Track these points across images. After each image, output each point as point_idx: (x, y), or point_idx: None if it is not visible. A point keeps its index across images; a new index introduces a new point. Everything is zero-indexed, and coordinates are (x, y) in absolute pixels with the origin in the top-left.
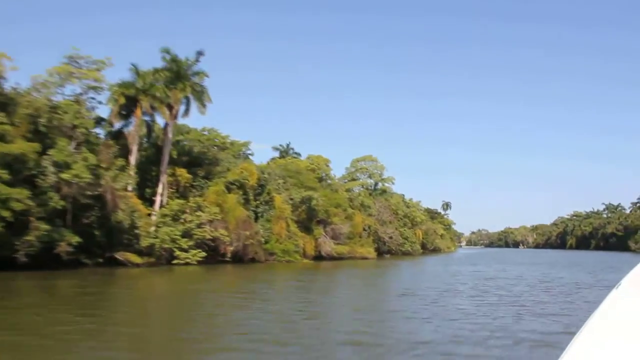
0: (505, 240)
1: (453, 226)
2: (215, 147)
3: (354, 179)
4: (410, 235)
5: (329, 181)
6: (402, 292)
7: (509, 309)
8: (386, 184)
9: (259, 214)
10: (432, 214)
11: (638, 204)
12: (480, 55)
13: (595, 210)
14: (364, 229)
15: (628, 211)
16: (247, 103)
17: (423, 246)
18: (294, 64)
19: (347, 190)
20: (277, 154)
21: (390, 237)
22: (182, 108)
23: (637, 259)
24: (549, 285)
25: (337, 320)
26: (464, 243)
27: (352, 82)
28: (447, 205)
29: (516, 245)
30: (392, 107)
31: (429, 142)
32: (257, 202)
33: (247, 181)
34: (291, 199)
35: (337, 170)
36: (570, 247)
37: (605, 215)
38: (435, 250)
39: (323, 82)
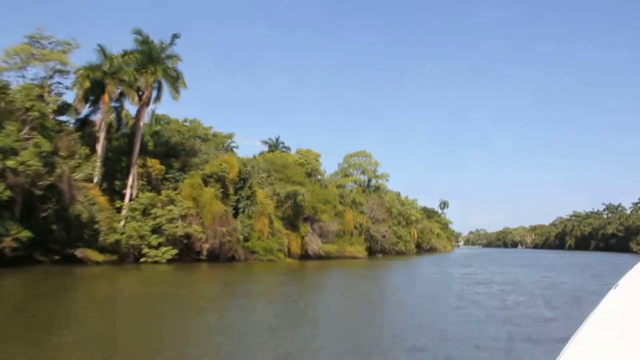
0: (504, 241)
1: (450, 225)
2: (198, 139)
3: (346, 175)
4: (405, 234)
5: (318, 176)
6: (376, 298)
7: (498, 330)
8: (380, 181)
9: (240, 210)
10: (429, 213)
11: (639, 205)
12: (482, 45)
13: (595, 210)
14: (355, 227)
15: (629, 212)
16: (232, 97)
17: (418, 246)
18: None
19: (339, 187)
20: (266, 148)
21: (383, 236)
22: (154, 94)
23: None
24: (551, 293)
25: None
26: (461, 243)
27: (345, 78)
28: (444, 204)
29: (514, 245)
30: (392, 104)
31: (428, 139)
32: (238, 196)
33: (226, 174)
34: (276, 194)
35: (330, 167)
36: (570, 248)
37: (605, 216)
38: (431, 250)
39: (314, 73)
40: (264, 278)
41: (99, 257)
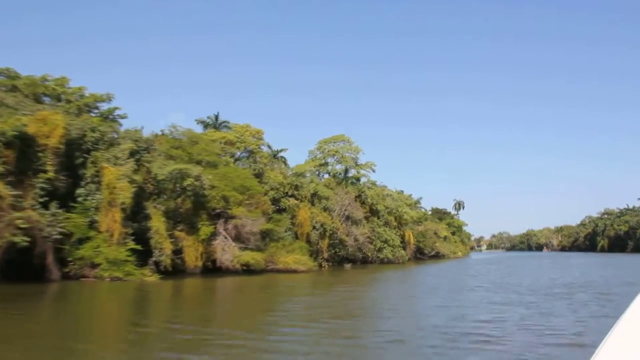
0: (528, 243)
1: (466, 228)
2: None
3: (321, 165)
4: (393, 238)
5: (257, 158)
6: None
7: None
8: (363, 171)
9: (80, 197)
10: (440, 214)
11: None
12: (495, 48)
13: (631, 207)
14: (315, 228)
15: None
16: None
17: (419, 251)
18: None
19: (297, 175)
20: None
21: (357, 240)
22: None
23: None
24: None
25: None
26: (484, 247)
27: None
28: (459, 205)
29: (539, 248)
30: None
31: (445, 141)
32: (61, 175)
33: (39, 139)
34: (151, 177)
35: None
36: (602, 250)
37: None
38: (437, 257)
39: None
40: None
41: None
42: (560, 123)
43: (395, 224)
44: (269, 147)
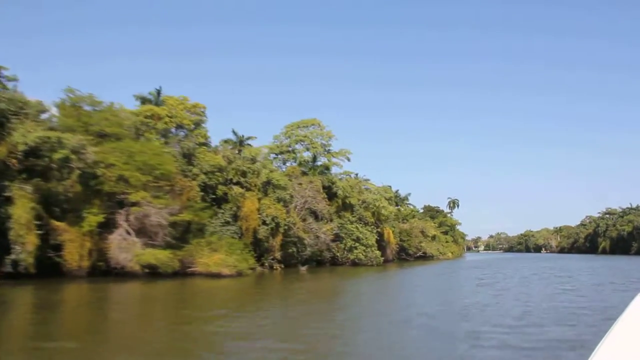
0: (526, 244)
1: (463, 228)
2: None
3: (286, 152)
4: (366, 236)
5: (188, 136)
6: None
7: None
8: (335, 159)
9: None
10: (433, 213)
11: None
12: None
13: (634, 206)
14: (265, 223)
15: None
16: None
17: (403, 251)
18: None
19: (247, 160)
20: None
21: (317, 237)
22: None
23: None
24: None
25: None
26: (481, 248)
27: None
28: (453, 203)
29: (538, 249)
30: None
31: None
32: None
33: None
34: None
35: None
36: (604, 252)
37: None
38: (423, 258)
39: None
40: None
41: None
42: (560, 123)
43: (372, 220)
44: (235, 133)
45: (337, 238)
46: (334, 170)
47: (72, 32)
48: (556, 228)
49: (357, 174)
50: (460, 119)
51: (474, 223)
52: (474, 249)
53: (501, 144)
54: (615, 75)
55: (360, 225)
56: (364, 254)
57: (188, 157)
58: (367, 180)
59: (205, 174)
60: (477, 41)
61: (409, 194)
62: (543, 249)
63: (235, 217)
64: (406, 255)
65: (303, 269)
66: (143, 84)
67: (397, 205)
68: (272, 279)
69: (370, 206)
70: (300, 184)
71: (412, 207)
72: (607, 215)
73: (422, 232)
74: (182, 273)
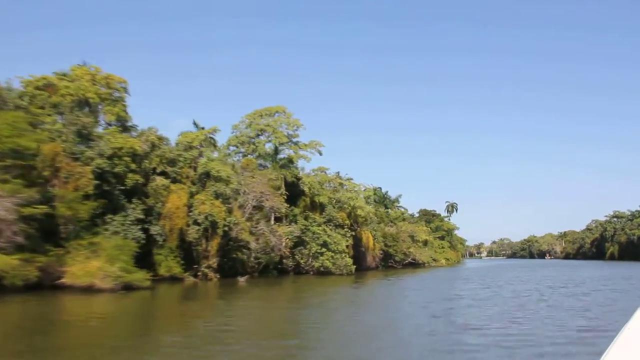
0: (529, 250)
1: (466, 234)
2: None
3: (247, 144)
4: (335, 241)
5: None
6: None
7: None
8: (303, 152)
9: None
10: (428, 217)
11: None
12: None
13: None
14: (196, 222)
15: None
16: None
17: (388, 258)
18: None
19: (186, 148)
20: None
21: (268, 242)
22: None
23: None
24: None
25: None
26: (484, 254)
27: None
28: (452, 207)
29: (542, 255)
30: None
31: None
32: None
33: None
34: None
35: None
36: (612, 258)
37: None
38: (413, 265)
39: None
40: None
41: None
42: (561, 122)
43: (347, 222)
44: (196, 124)
45: (302, 243)
46: (306, 166)
47: None
48: (561, 233)
49: (338, 173)
50: (461, 119)
51: (476, 229)
52: (476, 255)
53: (502, 144)
54: (622, 71)
55: (330, 227)
56: (331, 261)
57: (84, 137)
58: (349, 179)
59: (109, 158)
60: (494, 37)
61: (400, 196)
62: (547, 254)
63: (157, 215)
64: (393, 263)
65: (242, 280)
66: None
67: (386, 207)
68: (181, 295)
69: (345, 206)
70: (253, 177)
71: (402, 209)
72: (615, 219)
73: (412, 236)
74: (49, 285)
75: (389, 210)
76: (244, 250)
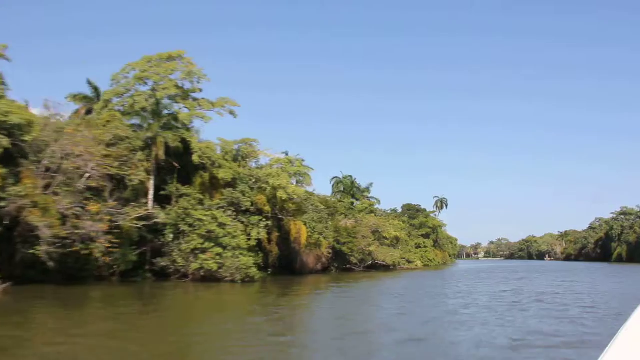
0: (528, 251)
1: (460, 234)
2: None
3: (124, 96)
4: (234, 232)
5: None
6: None
7: None
8: (201, 109)
9: None
10: (412, 213)
11: None
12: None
13: None
14: None
15: None
16: None
17: (341, 258)
18: None
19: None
20: None
21: (79, 227)
22: None
23: None
24: None
25: None
26: (481, 254)
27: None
28: (441, 203)
29: (541, 256)
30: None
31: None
32: None
33: None
34: None
35: None
36: (619, 259)
37: None
38: (376, 268)
39: None
40: None
41: None
42: (561, 120)
43: (267, 209)
44: (90, 83)
45: (182, 234)
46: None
47: None
48: (561, 233)
49: (287, 152)
50: (460, 121)
51: (473, 228)
52: (473, 255)
53: (502, 145)
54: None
55: (229, 215)
56: (217, 261)
57: None
58: (298, 157)
59: None
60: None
61: (372, 184)
62: (547, 255)
63: None
64: (352, 265)
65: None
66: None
67: (354, 197)
68: None
69: (264, 186)
70: (78, 130)
71: (373, 199)
72: (622, 217)
73: (377, 232)
74: None
75: (356, 201)
76: (33, 240)
